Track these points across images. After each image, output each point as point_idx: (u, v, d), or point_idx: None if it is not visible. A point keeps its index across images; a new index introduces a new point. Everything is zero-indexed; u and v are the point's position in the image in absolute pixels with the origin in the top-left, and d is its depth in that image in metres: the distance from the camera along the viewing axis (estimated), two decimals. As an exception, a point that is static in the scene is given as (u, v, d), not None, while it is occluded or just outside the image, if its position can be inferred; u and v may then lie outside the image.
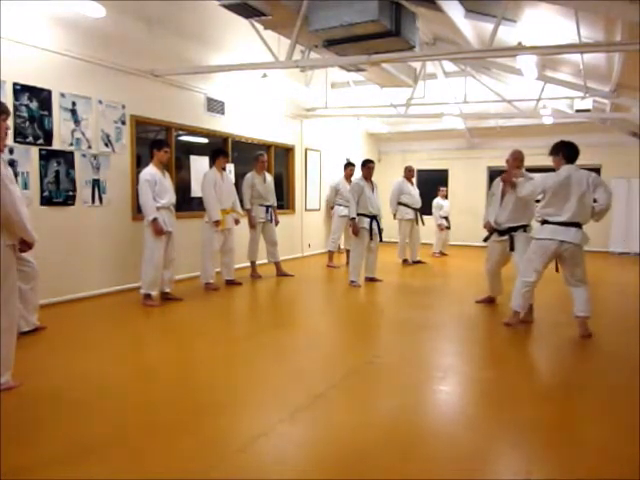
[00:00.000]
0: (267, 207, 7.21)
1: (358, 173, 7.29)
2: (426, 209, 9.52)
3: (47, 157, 5.22)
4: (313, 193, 10.30)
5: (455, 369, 3.72)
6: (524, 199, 4.94)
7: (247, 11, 5.08)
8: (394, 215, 8.95)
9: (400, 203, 8.88)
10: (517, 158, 5.28)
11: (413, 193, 8.97)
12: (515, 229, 5.12)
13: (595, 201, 4.37)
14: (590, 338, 4.35)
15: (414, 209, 8.89)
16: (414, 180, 9.33)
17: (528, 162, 11.30)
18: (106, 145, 5.83)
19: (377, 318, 5.48)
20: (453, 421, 2.84)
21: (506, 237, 5.18)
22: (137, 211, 6.02)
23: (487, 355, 4.12)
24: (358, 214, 6.63)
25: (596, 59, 6.84)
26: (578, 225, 4.33)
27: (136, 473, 2.20)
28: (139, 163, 6.23)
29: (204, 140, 7.64)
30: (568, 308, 4.63)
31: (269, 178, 7.33)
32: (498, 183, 5.40)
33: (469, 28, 6.76)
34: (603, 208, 4.32)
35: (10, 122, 3.37)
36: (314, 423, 2.76)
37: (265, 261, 7.49)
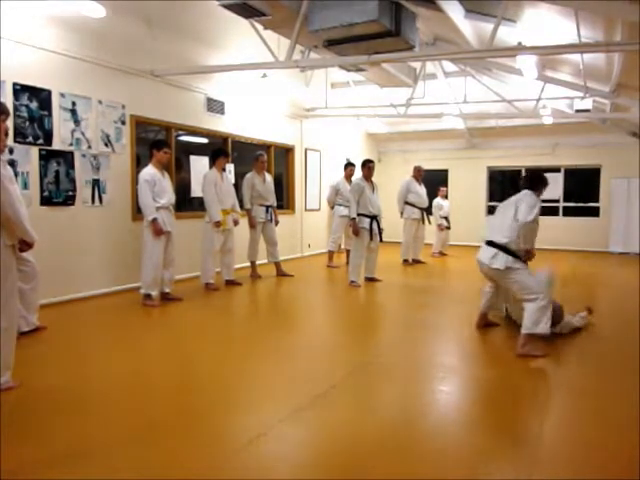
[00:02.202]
0: (267, 207, 7.20)
1: (358, 173, 7.29)
2: (428, 209, 9.51)
3: (47, 157, 5.22)
4: (313, 193, 10.30)
5: (455, 369, 3.72)
6: None
7: (247, 11, 5.09)
8: (401, 214, 8.95)
9: (407, 202, 8.88)
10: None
11: (420, 193, 8.96)
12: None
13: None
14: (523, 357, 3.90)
15: (420, 209, 8.90)
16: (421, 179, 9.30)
17: (528, 162, 11.30)
18: (106, 145, 5.83)
19: (377, 318, 5.48)
20: (453, 421, 2.84)
21: None
22: (137, 211, 6.02)
23: (487, 355, 4.12)
24: (358, 214, 6.63)
25: (596, 59, 6.84)
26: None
27: (136, 473, 2.20)
28: (139, 163, 6.23)
29: (204, 140, 7.64)
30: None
31: (269, 178, 7.33)
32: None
33: (469, 28, 6.76)
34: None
35: (10, 122, 3.37)
36: (314, 423, 2.76)
37: (265, 261, 7.49)
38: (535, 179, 4.33)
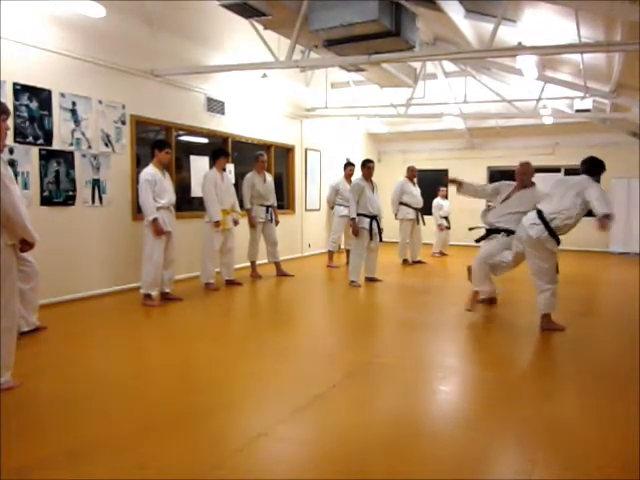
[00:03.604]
0: (267, 207, 7.20)
1: (358, 173, 7.29)
2: (426, 209, 9.52)
3: (47, 157, 5.22)
4: (313, 193, 10.30)
5: (455, 369, 3.72)
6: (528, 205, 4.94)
7: (247, 11, 5.09)
8: (395, 215, 8.95)
9: (402, 203, 8.88)
10: (526, 172, 5.14)
11: (415, 193, 8.96)
12: (499, 231, 5.11)
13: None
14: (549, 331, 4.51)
15: (415, 209, 8.90)
16: (415, 180, 9.31)
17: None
18: (106, 145, 5.83)
19: (377, 318, 5.48)
20: (453, 421, 2.84)
21: (492, 236, 5.19)
22: (137, 211, 6.02)
23: (487, 355, 4.11)
24: (358, 214, 6.62)
25: (596, 59, 6.85)
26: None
27: (136, 473, 2.20)
28: (139, 163, 6.23)
29: (204, 140, 7.64)
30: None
31: (269, 178, 7.33)
32: (508, 186, 5.28)
33: (469, 28, 6.77)
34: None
35: (10, 122, 3.37)
36: (314, 423, 2.76)
37: (265, 261, 7.49)
38: (595, 165, 4.53)
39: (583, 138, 10.74)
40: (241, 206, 6.88)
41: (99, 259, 5.81)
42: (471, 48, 6.57)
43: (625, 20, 4.92)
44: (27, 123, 5.02)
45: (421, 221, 8.99)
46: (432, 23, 7.42)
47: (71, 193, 5.48)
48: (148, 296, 5.40)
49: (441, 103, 9.77)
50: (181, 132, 7.14)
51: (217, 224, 6.19)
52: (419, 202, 8.95)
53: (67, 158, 5.42)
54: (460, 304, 5.53)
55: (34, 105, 5.07)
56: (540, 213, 4.40)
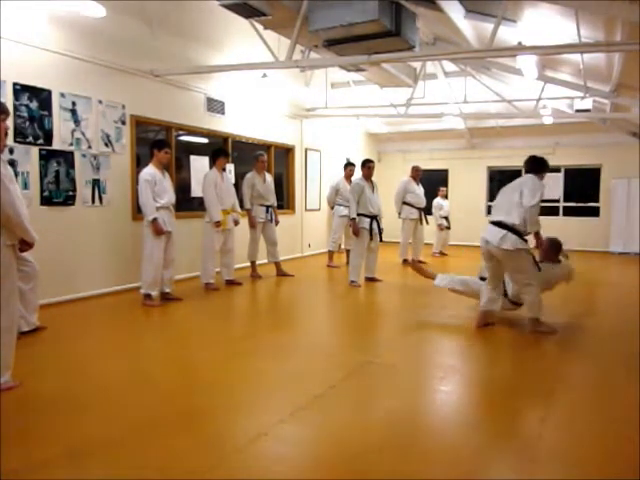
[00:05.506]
0: (267, 207, 7.21)
1: (358, 173, 7.29)
2: (426, 209, 9.53)
3: (47, 157, 5.22)
4: (313, 193, 10.30)
5: (455, 369, 3.72)
6: None
7: (247, 11, 5.09)
8: (399, 214, 8.95)
9: (405, 203, 8.88)
10: (548, 250, 4.82)
11: (418, 192, 8.96)
12: None
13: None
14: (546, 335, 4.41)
15: (418, 209, 8.90)
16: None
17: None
18: (106, 145, 5.83)
19: (377, 318, 5.48)
20: (453, 421, 2.84)
21: None
22: (137, 211, 6.02)
23: (487, 355, 4.11)
24: (358, 214, 6.63)
25: (596, 59, 6.84)
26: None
27: (136, 473, 2.20)
28: (139, 163, 6.23)
29: (204, 140, 7.64)
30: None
31: (269, 178, 7.33)
32: None
33: (469, 28, 6.76)
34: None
35: (10, 122, 3.37)
36: (314, 423, 2.76)
37: (265, 261, 7.49)
38: (536, 163, 4.52)
39: (583, 138, 10.73)
40: (241, 206, 6.88)
41: (99, 259, 5.81)
42: (471, 48, 6.56)
43: (625, 20, 4.92)
44: (27, 123, 5.02)
45: (424, 221, 9.00)
46: (432, 23, 7.42)
47: (71, 193, 5.48)
48: (148, 296, 5.40)
49: (441, 103, 9.77)
50: (181, 132, 7.14)
51: (218, 224, 6.19)
52: (422, 202, 8.97)
53: (67, 158, 5.42)
54: (459, 304, 5.52)
55: (34, 105, 5.07)
56: (501, 224, 4.35)
